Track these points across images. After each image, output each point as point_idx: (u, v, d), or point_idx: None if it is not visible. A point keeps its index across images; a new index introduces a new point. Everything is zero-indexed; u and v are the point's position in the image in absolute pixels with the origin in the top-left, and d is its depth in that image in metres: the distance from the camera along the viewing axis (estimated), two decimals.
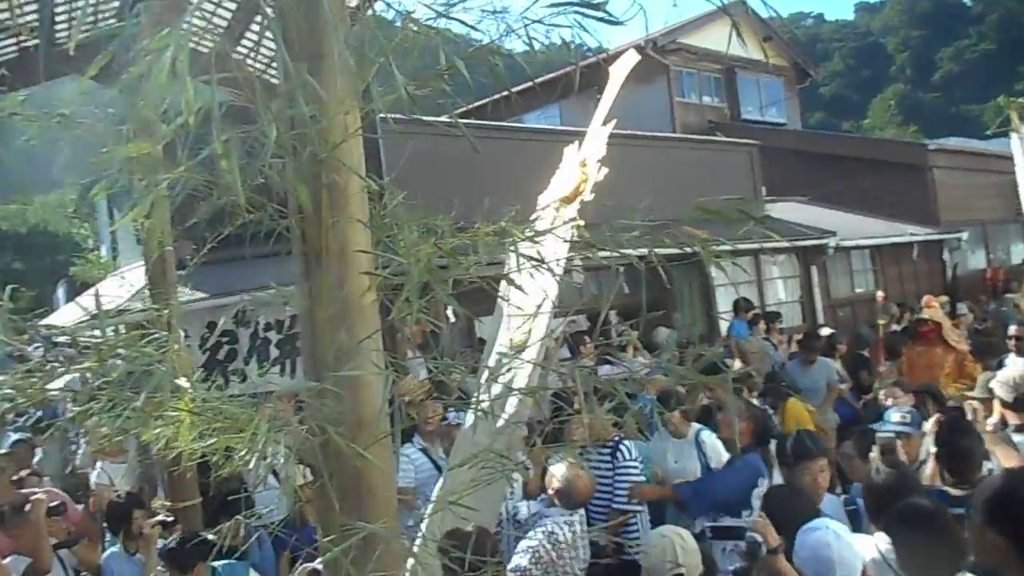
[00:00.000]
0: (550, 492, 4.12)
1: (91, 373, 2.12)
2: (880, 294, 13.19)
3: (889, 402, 5.38)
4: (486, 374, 2.20)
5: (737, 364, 7.83)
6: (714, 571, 3.55)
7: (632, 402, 2.31)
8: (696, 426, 5.27)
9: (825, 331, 10.60)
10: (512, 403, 2.33)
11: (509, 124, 11.76)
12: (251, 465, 1.56)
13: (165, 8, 2.06)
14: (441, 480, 2.61)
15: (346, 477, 1.90)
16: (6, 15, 4.75)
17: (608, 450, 4.96)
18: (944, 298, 11.44)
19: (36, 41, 5.14)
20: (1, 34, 5.23)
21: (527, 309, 2.52)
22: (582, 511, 4.18)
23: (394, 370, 1.90)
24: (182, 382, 1.71)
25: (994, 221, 17.59)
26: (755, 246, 11.37)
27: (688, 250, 1.97)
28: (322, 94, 1.59)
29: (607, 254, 2.04)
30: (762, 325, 10.48)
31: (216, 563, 4.04)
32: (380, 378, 1.96)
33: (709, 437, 5.21)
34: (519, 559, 3.69)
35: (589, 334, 8.27)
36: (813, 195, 15.26)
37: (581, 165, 2.65)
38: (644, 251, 2.02)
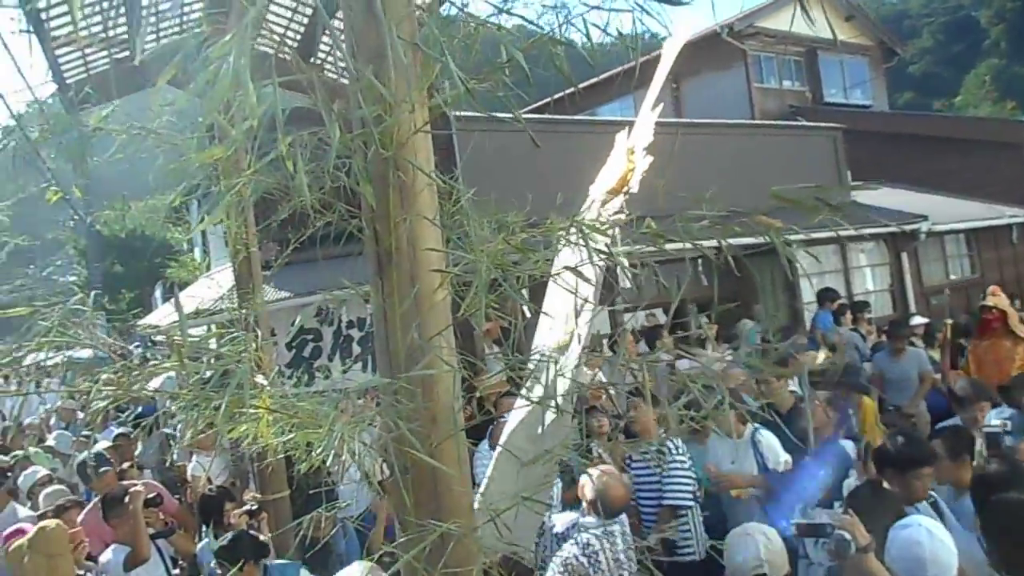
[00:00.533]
0: (584, 503, 3.99)
1: (182, 371, 2.21)
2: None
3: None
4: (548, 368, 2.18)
5: (822, 356, 7.58)
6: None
7: (709, 397, 2.26)
8: (752, 425, 5.12)
9: (917, 320, 10.16)
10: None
11: (578, 117, 11.68)
12: (328, 460, 1.59)
13: (236, 16, 2.11)
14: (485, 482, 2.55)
15: (421, 473, 1.92)
16: (99, 28, 4.99)
17: (655, 447, 4.85)
18: None
19: (127, 53, 5.39)
20: (93, 47, 5.50)
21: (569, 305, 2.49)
22: (623, 518, 4.03)
23: (466, 367, 1.91)
24: (261, 379, 1.76)
25: None
26: (840, 234, 10.99)
27: (766, 240, 1.91)
28: (386, 94, 1.61)
29: (678, 246, 2.00)
30: (849, 316, 10.13)
31: (270, 562, 4.15)
32: (452, 375, 1.97)
33: (766, 436, 5.06)
34: (551, 574, 3.56)
35: (666, 328, 8.16)
36: (903, 178, 14.63)
37: (629, 154, 2.59)
38: (718, 242, 1.97)
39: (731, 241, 1.92)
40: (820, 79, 18.97)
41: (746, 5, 16.93)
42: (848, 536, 3.02)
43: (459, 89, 1.85)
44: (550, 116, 9.67)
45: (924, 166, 15.22)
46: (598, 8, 1.66)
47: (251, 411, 1.72)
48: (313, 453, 1.65)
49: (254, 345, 1.88)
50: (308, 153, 1.49)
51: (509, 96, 2.08)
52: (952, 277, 14.09)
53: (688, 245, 1.98)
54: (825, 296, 10.33)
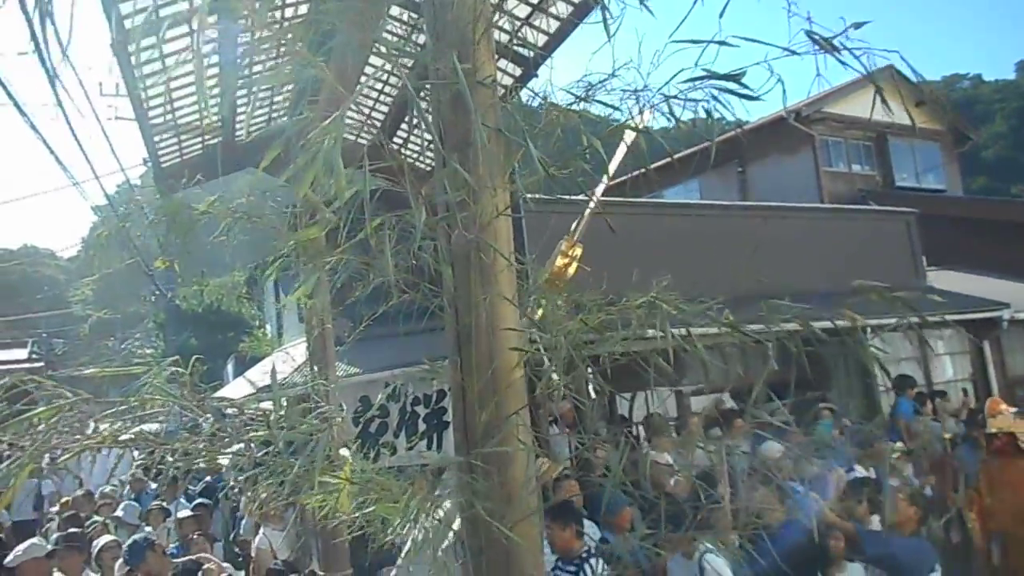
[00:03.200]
0: None
1: (256, 443, 2.27)
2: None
3: None
4: None
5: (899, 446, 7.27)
6: None
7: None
8: (703, 546, 4.82)
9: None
10: None
11: (646, 199, 11.79)
12: (405, 535, 1.61)
13: (328, 104, 2.25)
14: None
15: (495, 552, 1.91)
16: (194, 117, 5.34)
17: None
18: None
19: (219, 139, 5.74)
20: (187, 134, 5.87)
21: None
22: None
23: (537, 445, 1.92)
24: (344, 452, 1.80)
25: None
26: (917, 320, 10.66)
27: (842, 324, 1.90)
28: (470, 180, 1.69)
29: (754, 326, 2.00)
30: (929, 405, 9.74)
31: None
32: (526, 454, 1.98)
33: (712, 560, 4.80)
34: None
35: (740, 412, 7.97)
36: (982, 265, 14.19)
37: (568, 247, 2.60)
38: (796, 326, 1.96)
39: (805, 326, 1.91)
40: (891, 163, 18.78)
41: (813, 90, 17.02)
42: None
43: (539, 175, 1.92)
44: (620, 199, 9.78)
45: (1004, 252, 14.75)
46: (676, 98, 1.71)
47: (330, 482, 1.76)
48: (391, 528, 1.67)
49: (339, 419, 1.94)
50: (394, 235, 1.57)
51: (584, 181, 2.15)
52: None
53: (770, 329, 1.98)
54: (903, 383, 9.96)
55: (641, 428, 8.56)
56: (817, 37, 1.56)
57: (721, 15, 1.57)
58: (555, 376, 1.72)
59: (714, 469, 6.67)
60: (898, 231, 12.94)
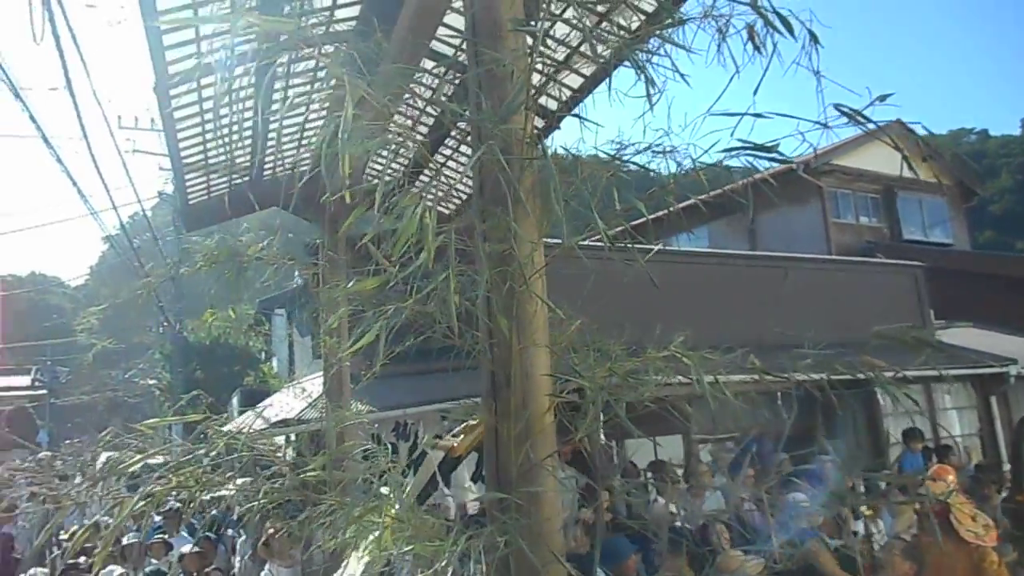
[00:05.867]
0: None
1: (265, 477, 2.36)
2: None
3: None
4: None
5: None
6: None
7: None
8: None
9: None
10: None
11: (657, 247, 11.94)
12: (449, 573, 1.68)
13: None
14: None
15: None
16: (224, 157, 5.51)
17: None
18: None
19: (246, 178, 5.90)
20: (215, 174, 6.04)
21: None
22: None
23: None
24: (384, 490, 1.88)
25: None
26: (926, 374, 10.71)
27: (856, 376, 1.99)
28: (519, 232, 1.80)
29: (775, 379, 2.09)
30: (934, 459, 9.73)
31: None
32: (557, 495, 2.07)
33: None
34: None
35: (749, 461, 7.99)
36: (989, 320, 14.24)
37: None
38: (810, 376, 2.05)
39: (815, 375, 2.01)
40: (898, 216, 18.96)
41: (822, 143, 17.26)
42: None
43: (575, 231, 2.04)
44: (638, 246, 9.92)
45: (1011, 308, 14.80)
46: (714, 166, 1.83)
47: (373, 520, 1.84)
48: (434, 567, 1.74)
49: (384, 457, 2.02)
50: (456, 285, 1.67)
51: (618, 235, 2.26)
52: None
53: (785, 378, 2.07)
54: (911, 436, 9.97)
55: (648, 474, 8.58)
56: (847, 109, 1.68)
57: (755, 92, 1.70)
58: (593, 421, 1.81)
59: (724, 516, 6.70)
60: (906, 284, 13.05)
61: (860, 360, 1.78)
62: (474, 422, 2.89)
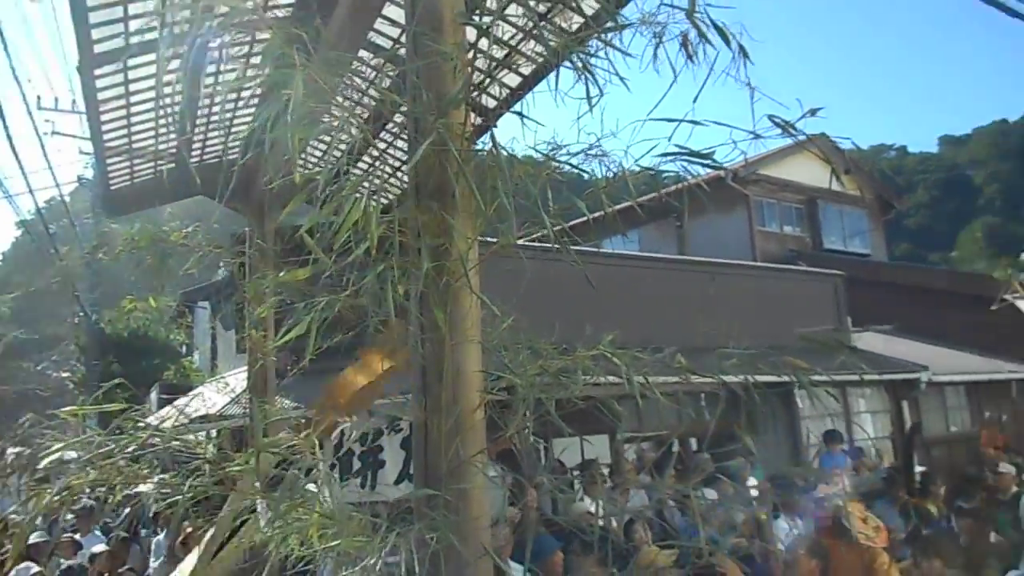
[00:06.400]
0: None
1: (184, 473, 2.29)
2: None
3: None
4: None
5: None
6: None
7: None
8: None
9: (919, 470, 10.14)
10: None
11: (586, 248, 12.08)
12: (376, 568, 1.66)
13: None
14: None
15: None
16: (150, 141, 5.32)
17: None
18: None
19: (172, 165, 5.71)
20: (140, 159, 5.83)
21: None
22: None
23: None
24: (312, 486, 1.85)
25: None
26: (843, 378, 11.11)
27: (777, 379, 2.05)
28: (455, 226, 1.79)
29: (699, 379, 2.14)
30: (849, 461, 10.12)
31: None
32: (485, 492, 2.06)
33: None
34: None
35: (671, 461, 8.15)
36: (901, 328, 14.88)
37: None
38: (734, 377, 2.11)
39: (737, 377, 2.06)
40: (820, 226, 19.65)
41: (751, 152, 17.75)
42: None
43: (512, 227, 2.04)
44: (583, 247, 10.01)
45: (924, 317, 15.49)
46: (650, 170, 1.86)
47: (300, 515, 1.80)
48: (362, 563, 1.72)
49: (316, 453, 1.98)
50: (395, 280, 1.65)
51: (555, 234, 2.27)
52: (952, 429, 14.08)
53: (713, 379, 2.12)
54: (831, 438, 10.33)
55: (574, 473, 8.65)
56: (779, 120, 1.73)
57: (695, 100, 1.73)
58: (524, 418, 1.81)
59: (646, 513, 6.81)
60: (826, 291, 13.52)
61: (783, 361, 1.83)
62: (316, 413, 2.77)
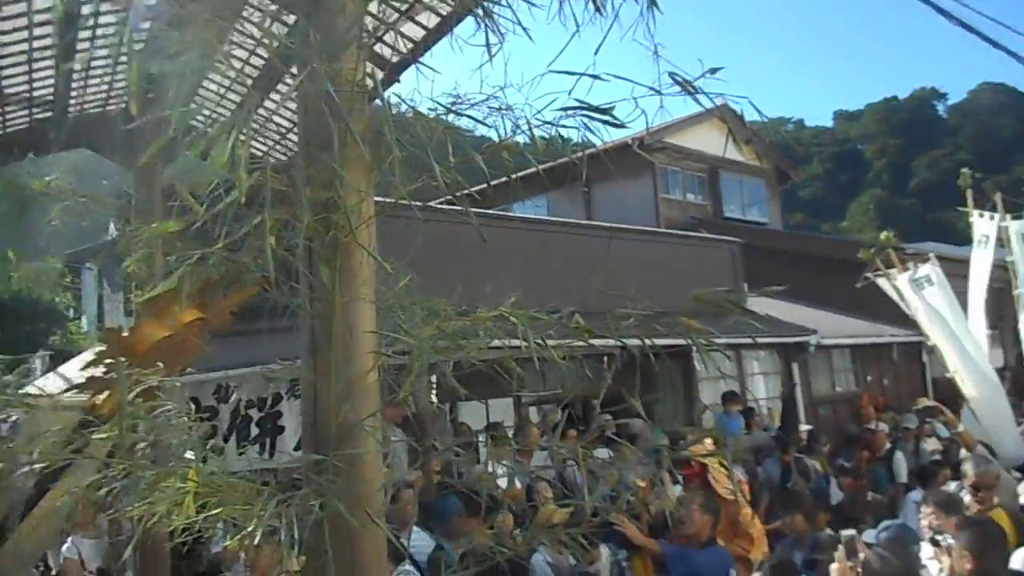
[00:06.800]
0: None
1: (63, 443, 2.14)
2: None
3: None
4: None
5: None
6: None
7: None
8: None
9: (804, 428, 10.64)
10: None
11: (495, 212, 12.02)
12: (258, 539, 1.57)
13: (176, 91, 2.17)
14: None
15: (342, 556, 1.91)
16: (24, 88, 4.91)
17: None
18: (926, 401, 11.44)
19: (48, 113, 5.30)
20: (14, 106, 5.38)
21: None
22: None
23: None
24: (190, 454, 1.74)
25: None
26: (738, 341, 11.50)
27: (676, 341, 2.06)
28: (344, 178, 1.69)
29: (600, 342, 2.12)
30: (743, 420, 10.54)
31: None
32: (379, 457, 1.99)
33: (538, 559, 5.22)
34: None
35: (575, 423, 8.27)
36: (795, 294, 15.50)
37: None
38: (633, 341, 2.10)
39: (640, 341, 2.06)
40: (720, 195, 20.22)
41: (656, 120, 18.03)
42: None
43: (406, 181, 1.95)
44: (483, 210, 9.93)
45: (814, 283, 16.16)
46: (550, 123, 1.80)
47: (174, 485, 1.69)
48: (243, 532, 1.62)
49: (187, 417, 1.86)
50: (272, 233, 1.54)
51: (446, 189, 2.20)
52: (838, 389, 14.86)
53: (612, 342, 2.11)
54: (729, 399, 10.70)
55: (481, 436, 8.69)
56: (680, 79, 1.69)
57: (596, 52, 1.68)
58: (417, 381, 1.74)
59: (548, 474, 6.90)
60: (724, 258, 13.93)
61: (676, 322, 1.82)
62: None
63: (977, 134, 65.27)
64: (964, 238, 11.98)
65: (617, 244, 11.82)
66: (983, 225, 9.96)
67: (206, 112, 5.77)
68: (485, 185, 2.28)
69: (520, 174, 2.27)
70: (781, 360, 13.56)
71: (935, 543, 4.17)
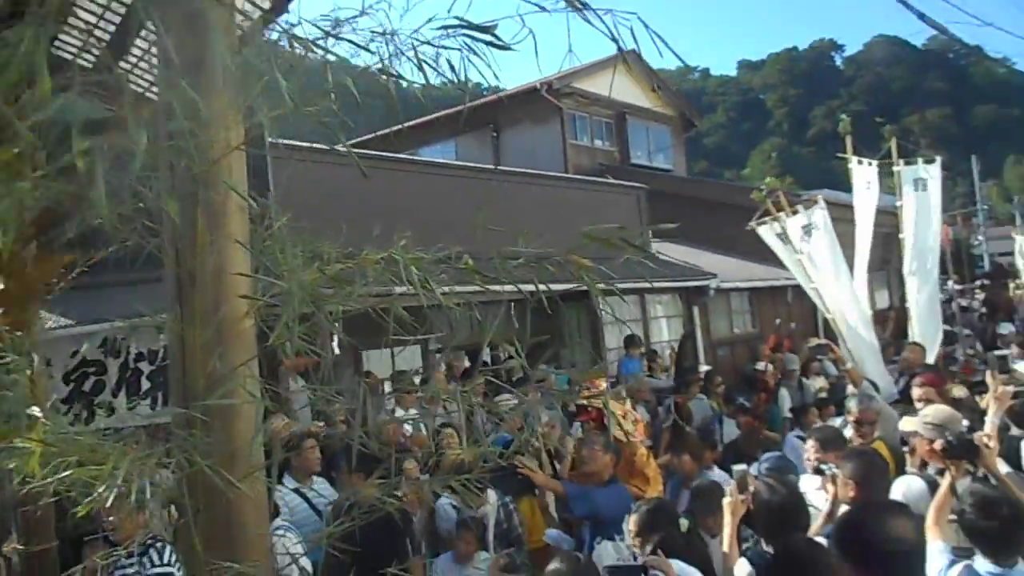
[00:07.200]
0: None
1: None
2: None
3: None
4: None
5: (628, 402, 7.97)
6: None
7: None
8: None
9: (703, 369, 10.99)
10: None
11: (401, 155, 11.73)
12: (109, 502, 1.44)
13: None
14: None
15: (216, 514, 1.79)
16: None
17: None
18: (817, 340, 11.93)
19: None
20: None
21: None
22: None
23: (272, 400, 1.81)
24: (35, 411, 1.57)
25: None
26: (641, 285, 11.70)
27: (578, 286, 1.99)
28: (201, 106, 1.52)
29: (495, 287, 2.04)
30: (646, 363, 10.80)
31: None
32: (254, 408, 1.87)
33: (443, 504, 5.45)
34: None
35: (477, 368, 8.26)
36: (697, 239, 15.89)
37: None
38: (533, 286, 2.03)
39: (545, 285, 1.98)
40: (627, 141, 20.38)
41: (565, 66, 17.89)
42: (661, 574, 3.21)
43: (278, 111, 1.79)
44: (372, 152, 9.64)
45: (714, 228, 16.59)
46: (428, 43, 1.67)
47: (21, 444, 1.53)
48: (94, 494, 1.48)
49: (28, 372, 1.68)
50: (107, 164, 1.36)
51: (335, 126, 2.05)
52: (736, 331, 15.41)
53: (507, 287, 2.02)
54: (630, 343, 10.91)
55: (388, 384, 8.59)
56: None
57: None
58: (288, 327, 1.62)
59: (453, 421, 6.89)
60: (630, 204, 14.08)
61: (568, 259, 1.76)
62: None
63: (871, 85, 68.00)
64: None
65: (524, 190, 11.77)
66: (863, 172, 10.32)
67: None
68: (388, 130, 2.14)
69: (432, 116, 2.14)
70: (683, 303, 13.91)
71: (819, 472, 4.35)
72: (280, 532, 4.00)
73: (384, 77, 1.77)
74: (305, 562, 3.85)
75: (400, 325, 2.25)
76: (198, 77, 1.77)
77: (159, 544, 3.80)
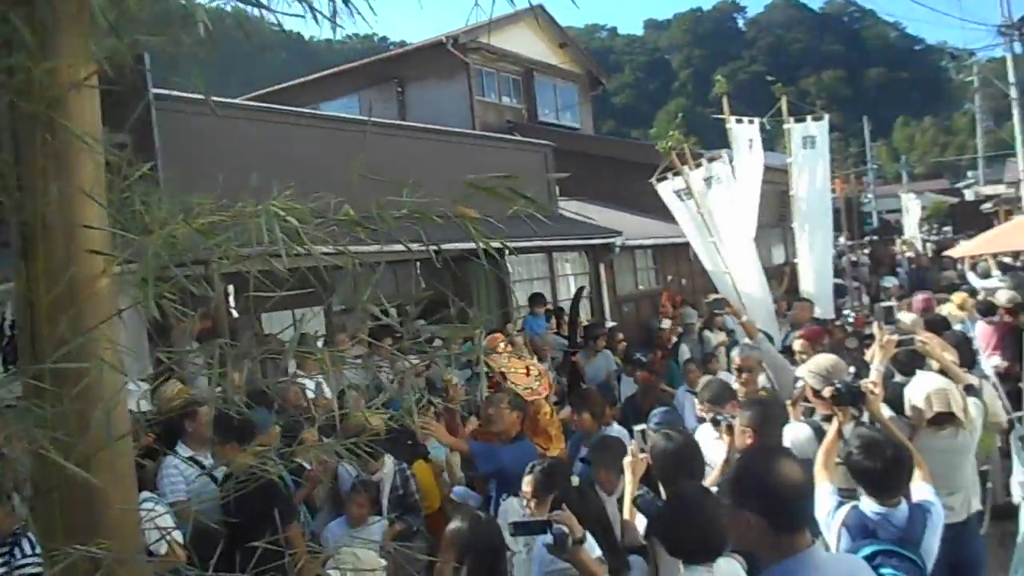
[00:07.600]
0: None
1: None
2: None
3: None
4: None
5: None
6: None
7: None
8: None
9: (609, 325, 11.15)
10: None
11: (301, 110, 11.28)
12: None
13: None
14: None
15: (73, 491, 1.64)
16: None
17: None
18: (715, 295, 12.25)
19: None
20: None
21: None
22: None
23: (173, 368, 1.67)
24: None
25: (761, 225, 19.32)
26: (548, 243, 11.73)
27: (490, 245, 1.90)
28: (27, 38, 1.35)
29: (399, 247, 1.93)
30: (553, 321, 10.87)
31: None
32: (114, 375, 1.71)
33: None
34: None
35: (389, 329, 8.12)
36: (603, 196, 16.02)
37: None
38: (441, 245, 1.94)
39: (449, 246, 1.89)
40: (535, 99, 20.27)
41: (471, 20, 17.57)
42: (566, 529, 3.20)
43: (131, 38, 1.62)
44: (264, 104, 9.22)
45: (620, 186, 16.77)
46: None
47: None
48: None
49: None
50: None
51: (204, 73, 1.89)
52: (641, 287, 15.71)
53: (396, 246, 1.92)
54: (535, 301, 10.95)
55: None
56: None
57: None
58: (145, 285, 1.47)
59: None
60: (537, 162, 14.03)
61: (454, 210, 1.66)
62: None
63: (771, 47, 69.86)
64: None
65: (429, 146, 11.53)
66: (745, 130, 10.54)
67: None
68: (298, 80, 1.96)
69: (328, 72, 1.98)
70: (589, 261, 14.05)
71: (716, 423, 4.46)
72: (149, 506, 3.78)
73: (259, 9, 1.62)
74: (177, 535, 3.66)
75: (302, 286, 2.11)
76: (31, 7, 1.58)
77: (31, 535, 3.55)
